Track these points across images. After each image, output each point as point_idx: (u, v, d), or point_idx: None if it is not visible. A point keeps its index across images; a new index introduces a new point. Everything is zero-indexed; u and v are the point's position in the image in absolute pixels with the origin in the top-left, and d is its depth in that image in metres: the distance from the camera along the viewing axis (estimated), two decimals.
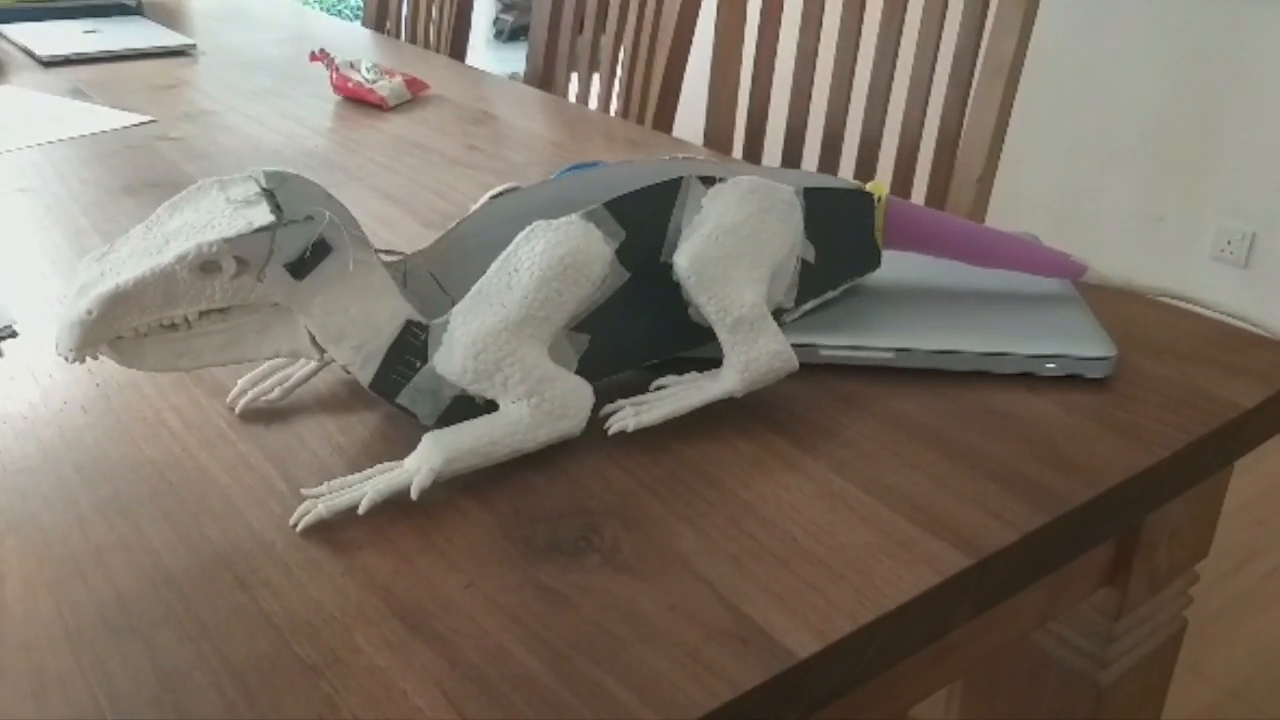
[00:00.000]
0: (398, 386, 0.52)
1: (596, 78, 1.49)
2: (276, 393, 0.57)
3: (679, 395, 0.55)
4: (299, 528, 0.46)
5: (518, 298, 0.52)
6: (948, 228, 0.65)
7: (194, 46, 1.51)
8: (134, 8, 1.72)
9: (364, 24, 1.87)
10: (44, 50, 1.41)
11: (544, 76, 1.53)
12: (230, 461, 0.52)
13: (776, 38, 1.29)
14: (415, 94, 1.28)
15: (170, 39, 1.53)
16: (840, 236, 0.63)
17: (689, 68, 1.30)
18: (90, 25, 1.59)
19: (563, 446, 0.52)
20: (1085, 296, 0.71)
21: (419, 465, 0.49)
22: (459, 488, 0.50)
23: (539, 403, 0.51)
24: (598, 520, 0.47)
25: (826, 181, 0.64)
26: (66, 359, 0.46)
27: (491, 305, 0.52)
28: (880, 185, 0.65)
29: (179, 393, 0.58)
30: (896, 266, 0.70)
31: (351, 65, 1.29)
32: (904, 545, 0.45)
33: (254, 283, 0.47)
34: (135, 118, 1.14)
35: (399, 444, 0.54)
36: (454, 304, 0.52)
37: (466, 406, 0.52)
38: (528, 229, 0.54)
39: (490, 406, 0.52)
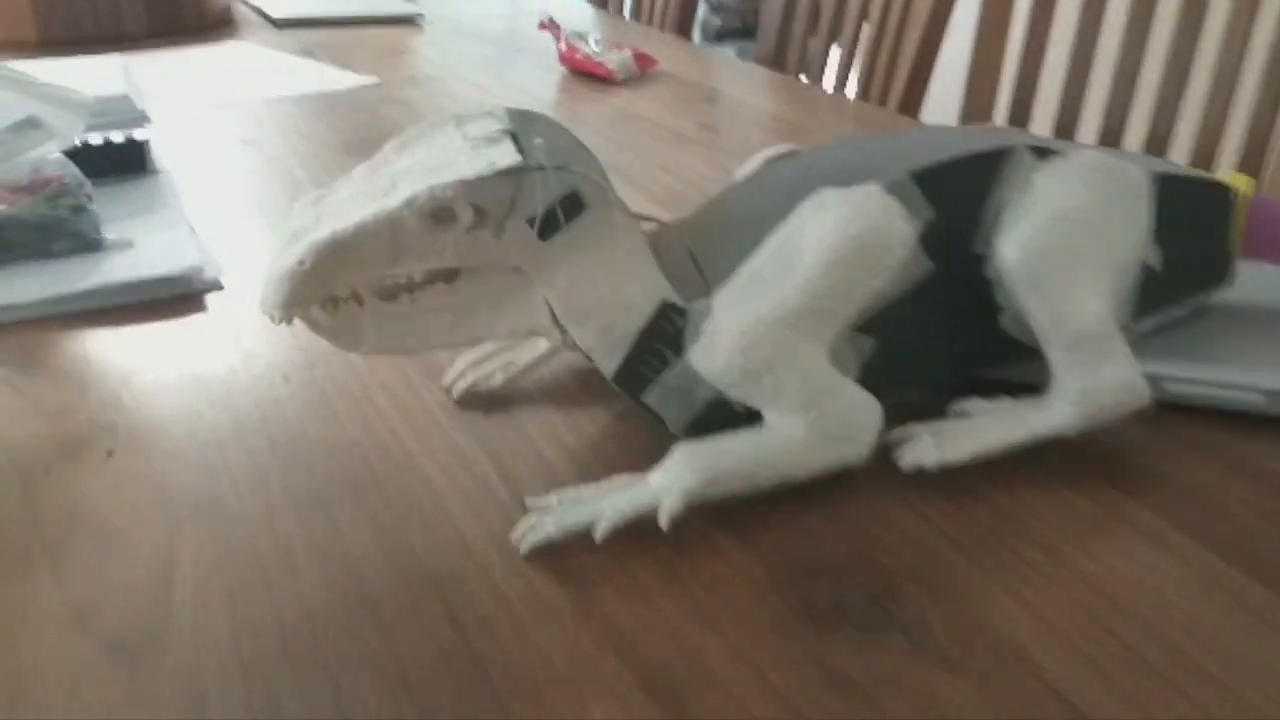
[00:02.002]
0: (645, 382, 0.42)
1: (830, 64, 1.37)
2: (499, 378, 0.49)
3: (992, 428, 0.43)
4: (523, 549, 0.38)
5: (799, 282, 0.41)
6: None
7: (421, 16, 1.48)
8: None
9: (590, 1, 1.81)
10: (277, 11, 1.40)
11: (775, 58, 1.42)
12: (443, 454, 0.44)
13: (1050, 19, 1.14)
14: (644, 70, 1.20)
15: (399, 7, 1.51)
16: (1190, 239, 0.50)
17: (942, 49, 1.16)
18: None
19: (840, 478, 0.41)
20: None
21: (668, 485, 0.39)
22: (712, 517, 0.40)
23: (817, 419, 0.40)
24: (896, 583, 0.36)
25: (1176, 168, 0.50)
26: (272, 318, 0.39)
27: (766, 290, 0.41)
28: (1241, 178, 0.51)
29: (391, 368, 0.51)
30: (1254, 283, 0.56)
31: (579, 36, 1.22)
32: None
33: (491, 240, 0.39)
34: (360, 79, 1.10)
35: (638, 452, 0.44)
36: (712, 287, 0.42)
37: (723, 415, 0.42)
38: (814, 198, 0.43)
39: (751, 418, 0.42)
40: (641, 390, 0.42)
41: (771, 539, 0.39)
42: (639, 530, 0.38)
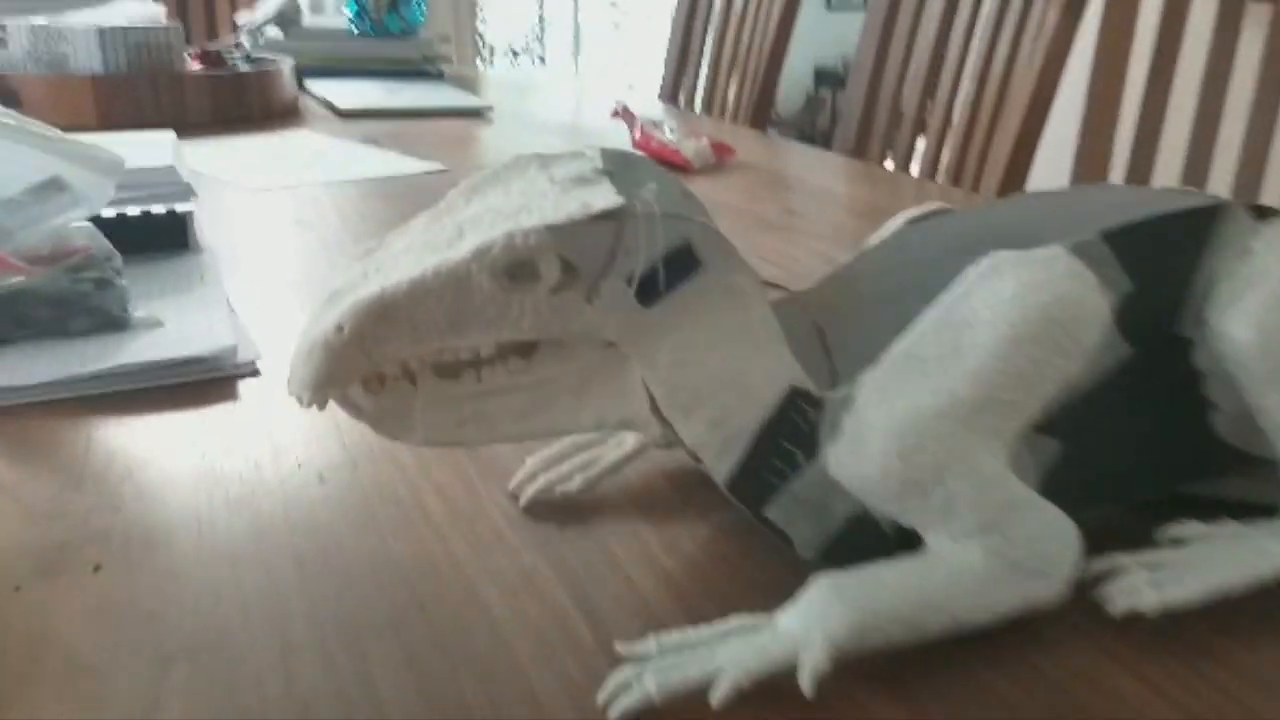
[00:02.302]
0: (768, 490, 0.33)
1: (916, 153, 1.30)
2: (577, 481, 0.40)
3: (1223, 560, 0.33)
4: (613, 714, 0.28)
5: (972, 366, 0.32)
6: None
7: (490, 109, 1.45)
8: (435, 74, 1.70)
9: (659, 97, 1.77)
10: (344, 103, 1.38)
11: (856, 151, 1.35)
12: (507, 578, 0.35)
13: (1166, 101, 1.05)
14: (721, 159, 1.13)
15: (467, 100, 1.48)
16: None
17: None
18: (392, 86, 1.57)
19: (1027, 624, 0.31)
20: None
21: (807, 632, 0.29)
22: (862, 673, 0.30)
23: (1000, 545, 0.31)
24: None
25: None
26: (301, 400, 0.30)
27: (928, 376, 0.32)
28: None
29: (446, 467, 0.42)
30: None
31: (654, 125, 1.17)
32: None
33: (580, 305, 0.30)
34: (426, 165, 1.05)
35: (758, 582, 0.35)
36: (840, 372, 0.34)
37: (869, 536, 0.33)
38: (984, 262, 0.34)
39: (905, 541, 0.32)
40: (763, 501, 0.33)
41: (942, 705, 0.29)
42: (766, 689, 0.29)
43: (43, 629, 0.31)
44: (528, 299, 0.30)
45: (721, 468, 0.33)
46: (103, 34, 1.11)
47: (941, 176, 1.25)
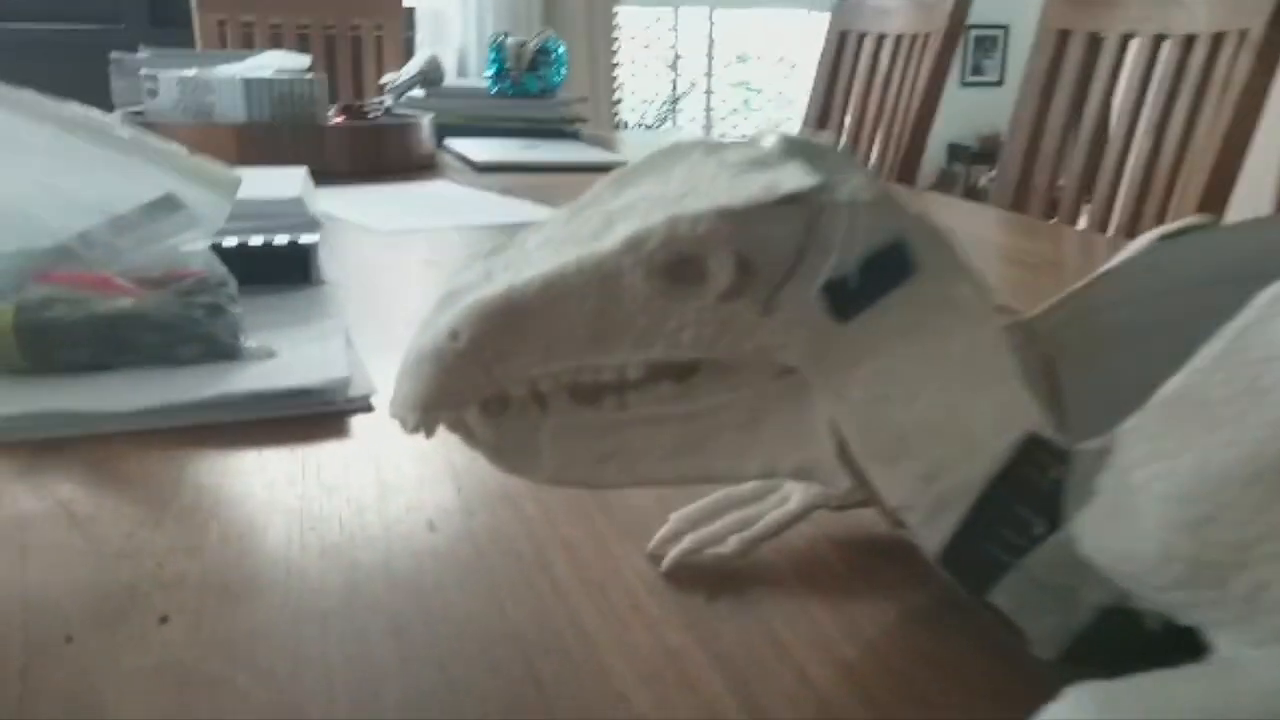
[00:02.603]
0: (994, 568, 0.26)
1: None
2: (732, 544, 0.33)
3: None
4: None
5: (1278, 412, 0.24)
6: None
7: (625, 164, 1.41)
8: (572, 134, 1.69)
9: None
10: (479, 157, 1.36)
11: (1014, 205, 1.26)
12: (648, 660, 0.28)
13: None
14: None
15: (604, 156, 1.45)
16: None
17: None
18: (528, 143, 1.56)
19: None
20: None
21: None
22: None
23: None
24: None
25: None
26: (404, 424, 0.24)
27: (1219, 424, 0.24)
28: None
29: (575, 520, 0.35)
30: None
31: None
32: None
33: (755, 317, 0.24)
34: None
35: (974, 685, 0.27)
36: (1074, 417, 0.26)
37: (1128, 634, 0.25)
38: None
39: (1178, 643, 0.24)
40: (987, 581, 0.26)
41: None
42: None
43: (89, 690, 0.26)
44: (690, 307, 0.24)
45: (933, 535, 0.26)
46: (248, 85, 1.12)
47: (1112, 233, 1.14)
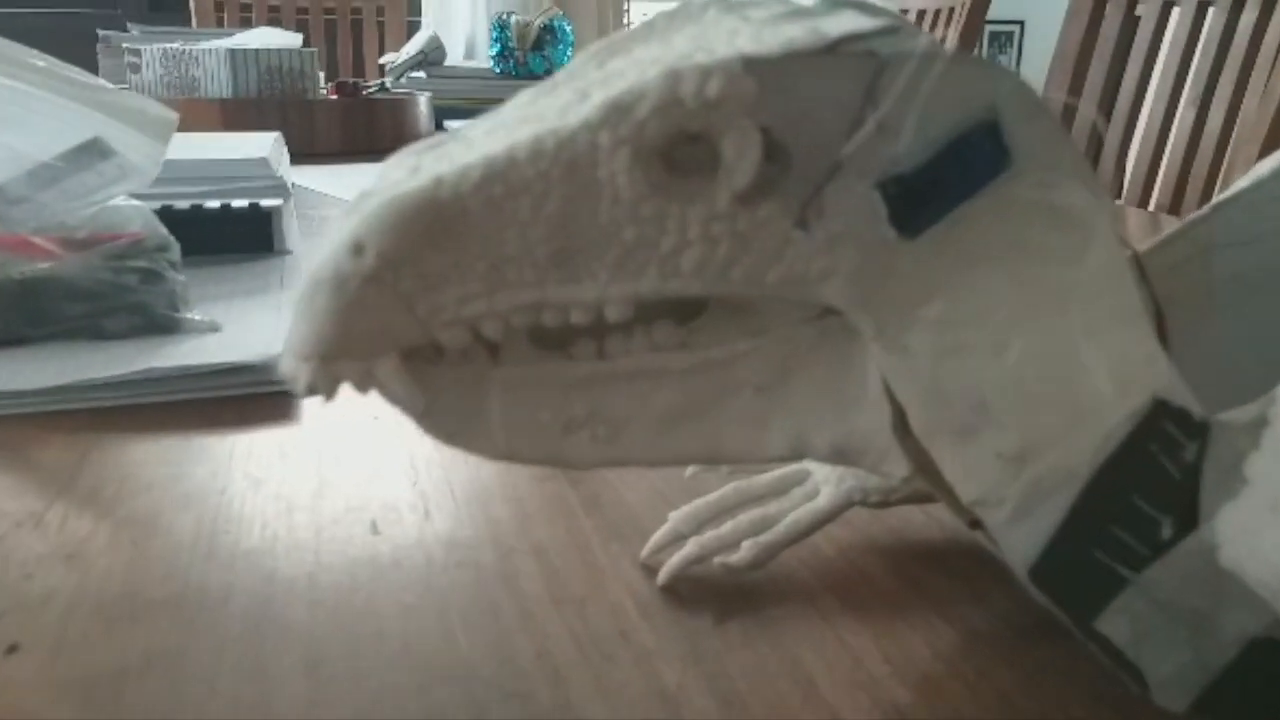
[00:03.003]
0: (1104, 583, 0.19)
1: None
2: (746, 551, 0.26)
3: None
4: None
5: None
6: None
7: None
8: None
9: None
10: None
11: None
12: (638, 707, 0.21)
13: None
14: None
15: None
16: None
17: None
18: None
19: None
20: None
21: None
22: None
23: None
24: None
25: None
26: (294, 385, 0.18)
27: None
28: None
29: (552, 517, 0.29)
30: None
31: None
32: None
33: (786, 229, 0.17)
34: None
35: None
36: (1187, 378, 0.19)
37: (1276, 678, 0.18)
38: None
39: None
40: (1095, 602, 0.19)
41: None
42: None
43: None
44: (695, 214, 0.17)
45: (1023, 539, 0.19)
46: (234, 56, 1.05)
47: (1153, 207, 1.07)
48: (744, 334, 0.18)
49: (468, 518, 0.29)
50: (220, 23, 1.79)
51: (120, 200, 0.44)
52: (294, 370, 0.18)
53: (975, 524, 0.20)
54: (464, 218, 0.16)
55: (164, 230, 0.45)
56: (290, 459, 0.33)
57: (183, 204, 0.52)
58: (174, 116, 0.43)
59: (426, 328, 0.17)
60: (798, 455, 0.20)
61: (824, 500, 0.27)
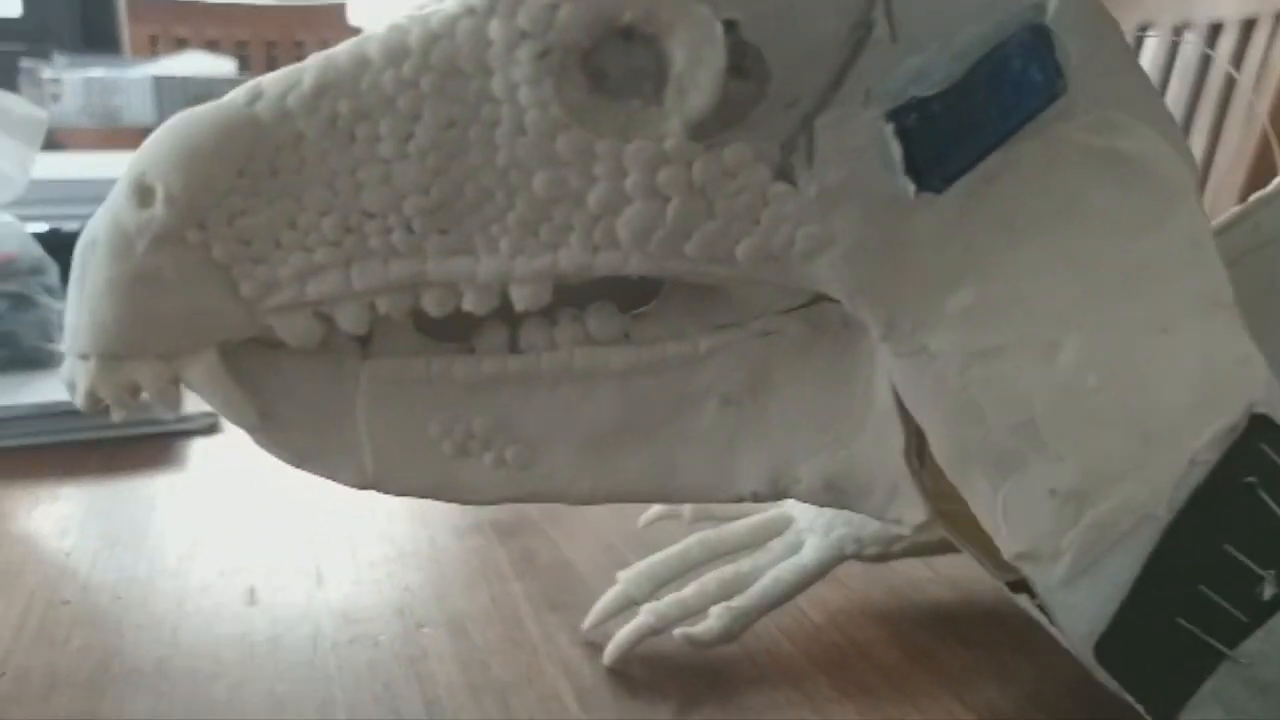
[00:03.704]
0: (1193, 662, 0.14)
1: None
2: (713, 621, 0.20)
3: None
4: None
5: None
6: None
7: None
8: None
9: None
10: None
11: None
12: None
13: None
14: None
15: None
16: None
17: None
18: None
19: None
20: None
21: None
22: None
23: None
24: None
25: None
26: (71, 390, 0.13)
27: None
28: None
29: (476, 579, 0.23)
30: None
31: None
32: None
33: (762, 179, 0.12)
34: None
35: None
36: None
37: None
38: None
39: None
40: (1178, 684, 0.14)
41: None
42: None
43: None
44: (633, 151, 0.12)
45: (1084, 602, 0.14)
46: (159, 84, 1.00)
47: None
48: (706, 327, 0.13)
49: (370, 583, 0.24)
50: (155, 55, 1.73)
51: None
52: (70, 373, 0.13)
53: (1019, 585, 0.15)
54: (297, 148, 0.11)
55: (39, 250, 0.39)
56: (160, 512, 0.27)
57: (72, 225, 0.46)
58: (43, 115, 0.37)
59: (254, 313, 0.12)
60: (776, 492, 0.15)
61: (810, 554, 0.22)
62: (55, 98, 1.04)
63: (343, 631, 0.22)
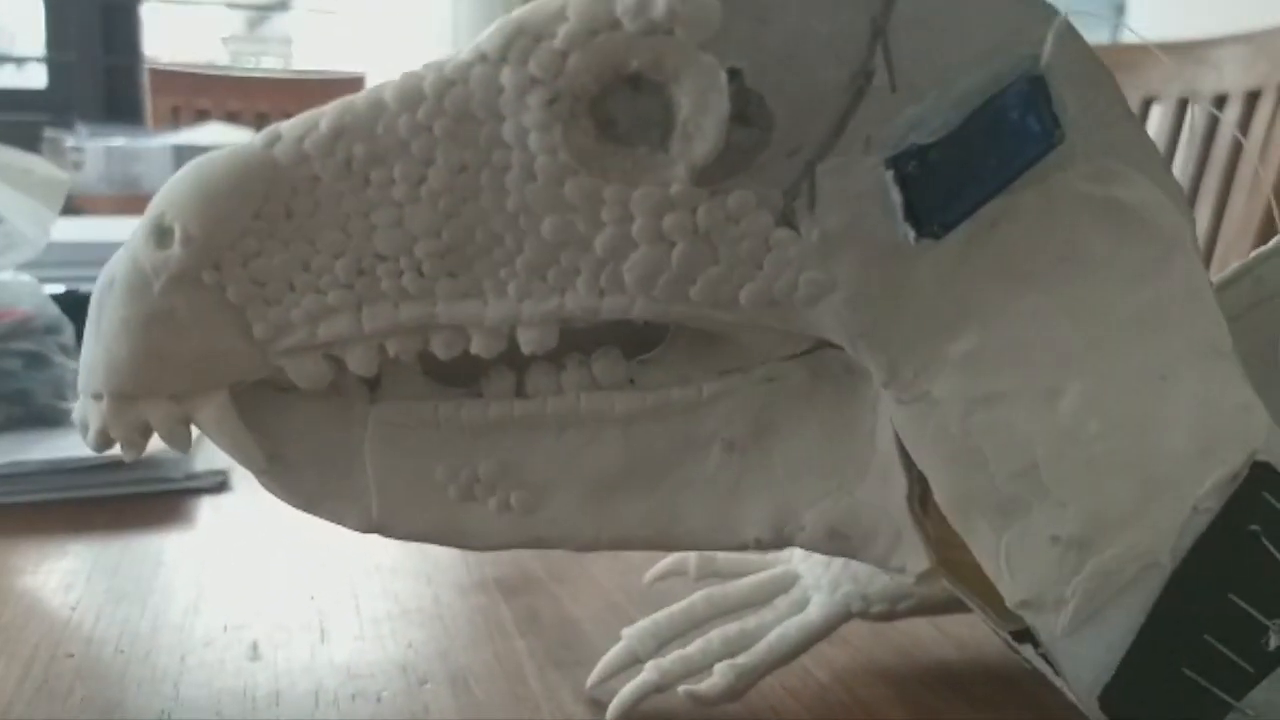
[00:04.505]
0: (1200, 714, 0.13)
1: None
2: (718, 678, 0.20)
3: None
4: None
5: None
6: None
7: None
8: None
9: None
10: None
11: None
12: None
13: None
14: None
15: None
16: None
17: None
18: None
19: None
20: None
21: None
22: None
23: None
24: None
25: None
26: (85, 433, 0.13)
27: None
28: None
29: (480, 636, 0.23)
30: None
31: None
32: None
33: (767, 223, 0.12)
34: None
35: None
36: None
37: None
38: None
39: None
40: None
41: None
42: None
43: None
44: (639, 196, 0.12)
45: (1087, 652, 0.14)
46: (179, 152, 1.02)
47: None
48: (711, 372, 0.13)
49: (373, 639, 0.23)
50: (178, 127, 1.76)
51: (7, 275, 0.39)
52: (82, 413, 0.13)
53: (1022, 635, 0.15)
54: (312, 192, 0.11)
55: (55, 309, 0.40)
56: (167, 567, 0.27)
57: (88, 287, 0.47)
58: (64, 177, 0.38)
59: (266, 355, 0.12)
60: (780, 539, 0.15)
61: (815, 611, 0.21)
62: (77, 165, 1.06)
63: (345, 687, 0.21)
